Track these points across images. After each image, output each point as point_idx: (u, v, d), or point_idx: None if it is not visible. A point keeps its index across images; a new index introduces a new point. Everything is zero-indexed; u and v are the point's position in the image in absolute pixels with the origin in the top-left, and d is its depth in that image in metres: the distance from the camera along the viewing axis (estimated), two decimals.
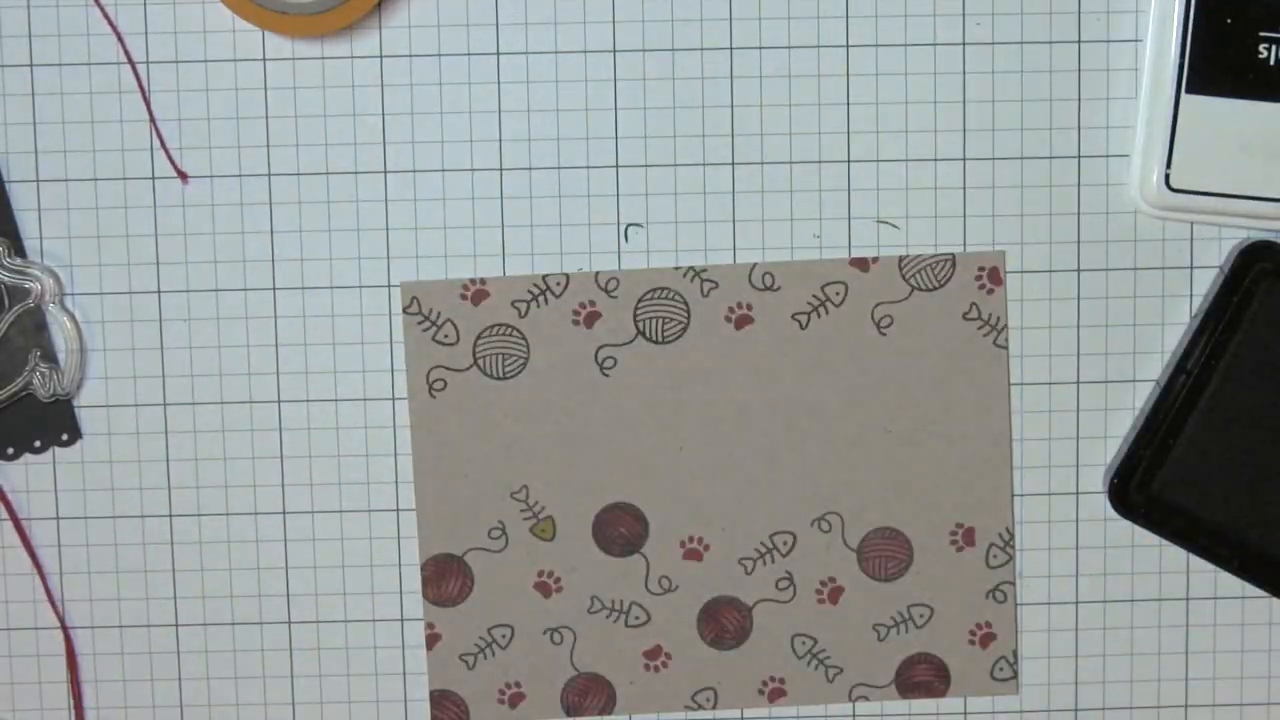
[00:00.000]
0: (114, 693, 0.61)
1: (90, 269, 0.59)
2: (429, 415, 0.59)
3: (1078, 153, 0.59)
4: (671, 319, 0.59)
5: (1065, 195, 0.59)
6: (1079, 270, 0.59)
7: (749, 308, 0.59)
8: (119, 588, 0.60)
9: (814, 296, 0.59)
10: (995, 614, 0.60)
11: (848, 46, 0.58)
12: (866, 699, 0.61)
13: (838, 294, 0.59)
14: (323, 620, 0.60)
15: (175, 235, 0.59)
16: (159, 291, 0.59)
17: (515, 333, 0.59)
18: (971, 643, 0.60)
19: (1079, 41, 0.58)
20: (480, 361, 0.59)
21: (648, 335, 0.59)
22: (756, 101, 0.58)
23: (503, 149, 0.59)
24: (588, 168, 0.59)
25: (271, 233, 0.59)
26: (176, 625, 0.60)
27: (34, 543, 0.60)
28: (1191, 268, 0.60)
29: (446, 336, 0.59)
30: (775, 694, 0.61)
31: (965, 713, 0.61)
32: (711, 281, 0.59)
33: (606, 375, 0.59)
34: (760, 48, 0.58)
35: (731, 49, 0.58)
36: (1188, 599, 0.61)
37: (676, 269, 0.59)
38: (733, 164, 0.59)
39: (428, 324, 0.59)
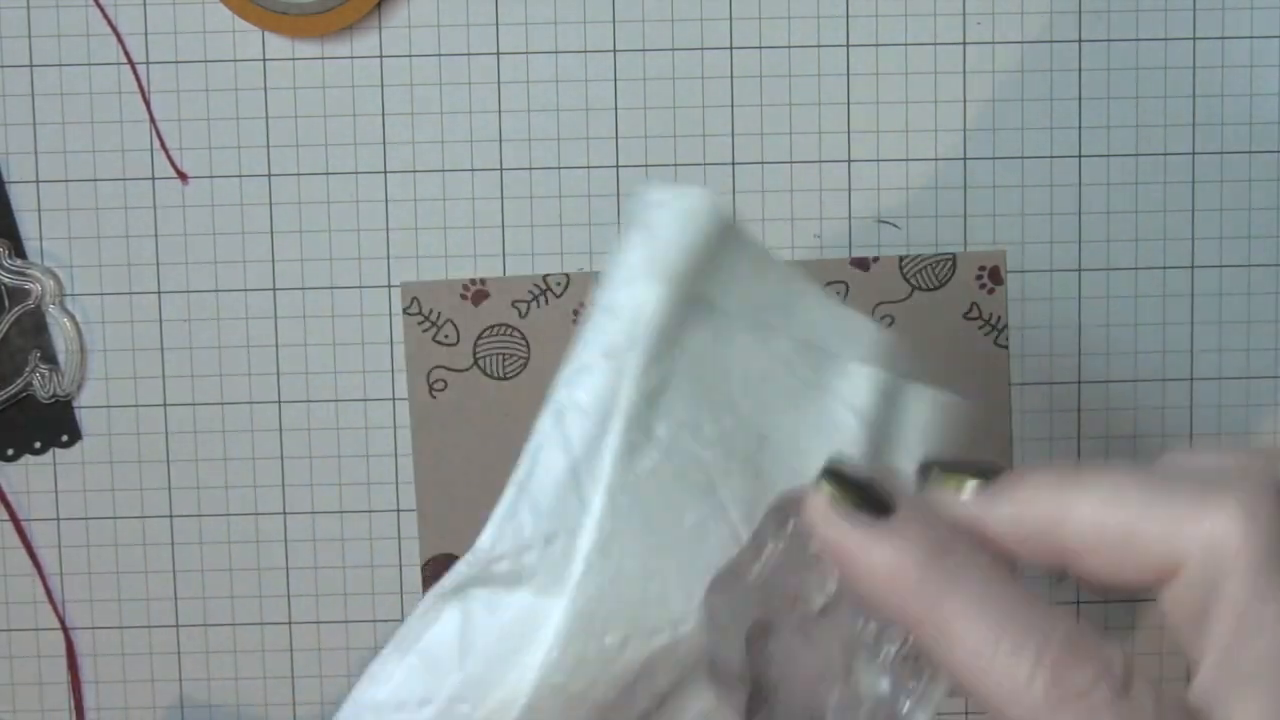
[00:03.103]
0: (114, 694, 0.61)
1: (90, 270, 0.59)
2: (429, 415, 0.59)
3: (1079, 152, 0.59)
4: None
5: (1066, 194, 0.59)
6: (1080, 270, 0.59)
7: None
8: (119, 588, 0.60)
9: None
10: None
11: (848, 46, 0.58)
12: None
13: (838, 293, 0.59)
14: (324, 621, 0.60)
15: (175, 235, 0.59)
16: (159, 292, 0.59)
17: (516, 333, 0.59)
18: None
19: (1080, 41, 0.58)
20: (481, 362, 0.59)
21: None
22: (756, 101, 0.58)
23: (503, 149, 0.59)
24: (588, 168, 0.59)
25: (271, 233, 0.59)
26: (177, 626, 0.60)
27: (34, 544, 0.60)
28: (1193, 267, 0.59)
29: (447, 337, 0.59)
30: None
31: (966, 712, 0.61)
32: None
33: None
34: (760, 47, 0.58)
35: (731, 49, 0.58)
36: None
37: None
38: (733, 164, 0.59)
39: (428, 324, 0.59)
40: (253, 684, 0.61)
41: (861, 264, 0.59)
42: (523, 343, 0.59)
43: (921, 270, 0.59)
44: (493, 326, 0.59)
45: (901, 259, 0.59)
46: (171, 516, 0.60)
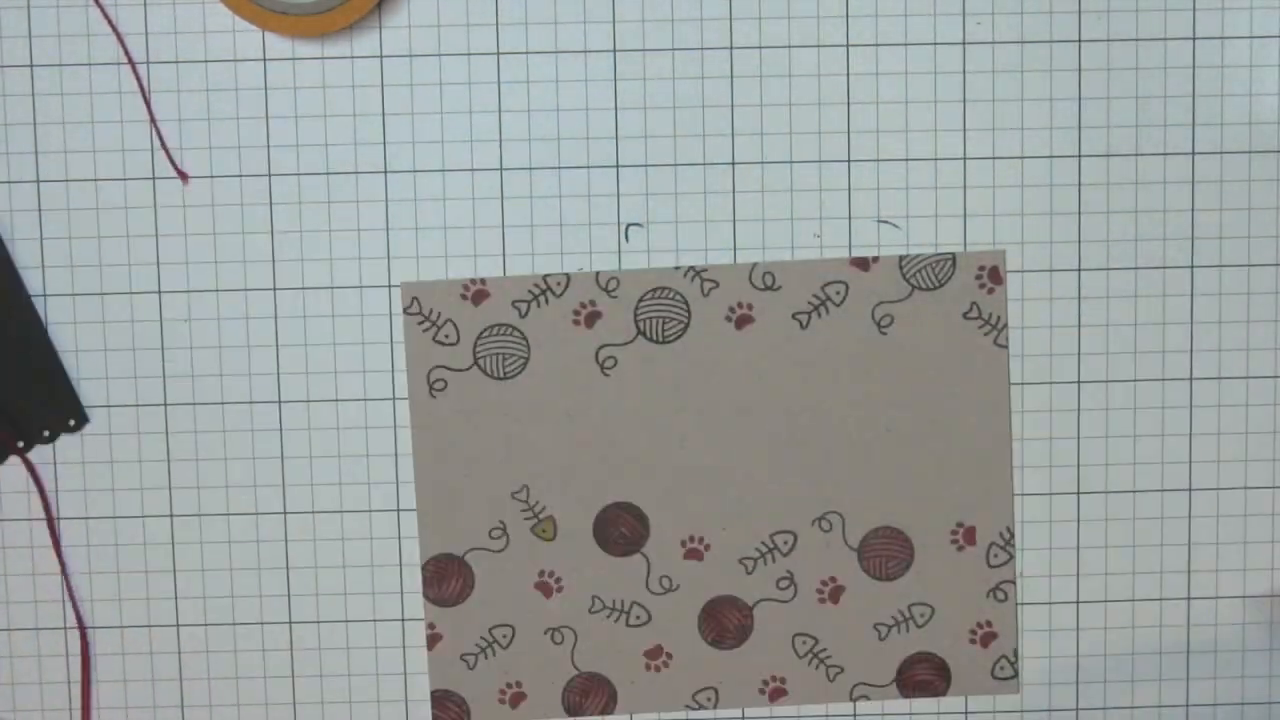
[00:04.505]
0: (115, 693, 0.61)
1: (90, 269, 0.59)
2: (429, 415, 0.59)
3: (1079, 152, 0.59)
4: (672, 319, 0.59)
5: (1066, 194, 0.59)
6: (1079, 270, 0.59)
7: (749, 307, 0.59)
8: (120, 588, 0.60)
9: (814, 296, 0.59)
10: (996, 613, 0.60)
11: (848, 46, 0.58)
12: (867, 698, 0.61)
13: (838, 293, 0.59)
14: (324, 620, 0.60)
15: (175, 235, 0.59)
16: (159, 292, 0.59)
17: (515, 333, 0.59)
18: (972, 642, 0.60)
19: (1079, 41, 0.58)
20: (480, 361, 0.59)
21: (648, 335, 0.59)
22: (756, 101, 0.58)
23: (503, 149, 0.59)
24: (588, 168, 0.59)
25: (271, 233, 0.59)
26: (177, 625, 0.60)
27: (34, 543, 0.60)
28: (1193, 267, 0.59)
29: (447, 336, 0.59)
30: (776, 693, 0.61)
31: (966, 712, 0.61)
32: (712, 281, 0.59)
33: (607, 375, 0.59)
34: (760, 47, 0.58)
35: (731, 49, 0.58)
36: (1189, 598, 0.61)
37: (676, 269, 0.59)
38: (733, 164, 0.59)
39: (428, 324, 0.59)
40: (253, 684, 0.61)
41: (861, 264, 0.59)
42: (523, 342, 0.59)
43: (921, 270, 0.59)
44: (493, 326, 0.59)
45: (901, 259, 0.59)
46: (172, 516, 0.60)
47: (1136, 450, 0.60)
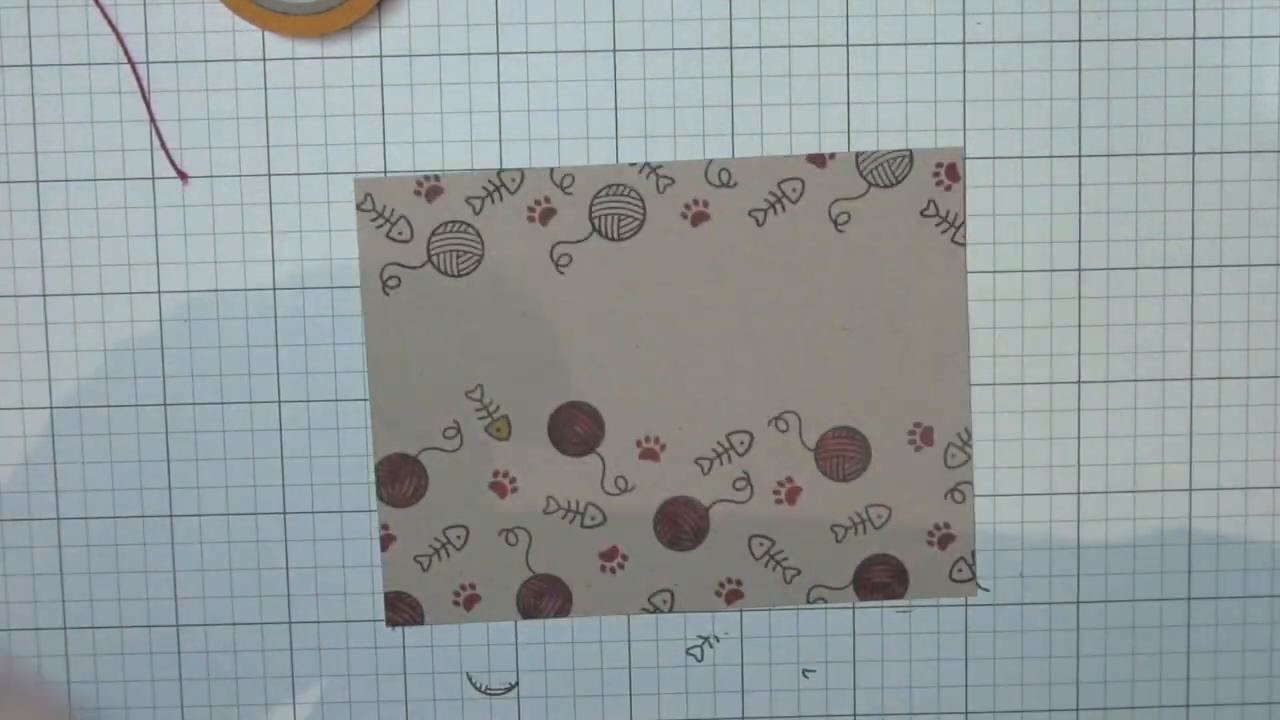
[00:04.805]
0: (114, 694, 0.61)
1: (90, 269, 0.59)
2: (383, 313, 0.58)
3: (1079, 152, 0.59)
4: (627, 216, 0.58)
5: (1066, 194, 0.59)
6: (1080, 270, 0.59)
7: (705, 204, 0.58)
8: (119, 588, 0.60)
9: (771, 193, 0.58)
10: (954, 514, 0.60)
11: (848, 46, 0.58)
12: (825, 600, 0.60)
13: (795, 190, 0.58)
14: (323, 620, 0.60)
15: (175, 235, 0.59)
16: (159, 292, 0.59)
17: (469, 229, 0.58)
18: (930, 543, 0.60)
19: (1080, 41, 0.58)
20: (435, 258, 0.58)
21: (603, 232, 0.58)
22: (756, 101, 0.58)
23: (503, 149, 0.59)
24: (588, 168, 0.59)
25: (271, 233, 0.59)
26: (177, 626, 0.60)
27: (34, 543, 0.60)
28: (1193, 267, 0.59)
29: (400, 233, 0.58)
30: (732, 595, 0.60)
31: (967, 713, 0.61)
32: (668, 178, 0.58)
33: (562, 273, 0.58)
34: (760, 47, 0.58)
35: (731, 49, 0.58)
36: (1189, 598, 0.61)
37: (632, 165, 0.58)
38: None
39: (381, 220, 0.58)
40: (253, 684, 0.61)
41: (819, 161, 0.58)
42: (477, 240, 0.58)
43: (878, 167, 0.58)
44: (447, 223, 0.58)
45: (859, 155, 0.58)
46: (172, 516, 0.60)
47: (1136, 451, 0.60)
